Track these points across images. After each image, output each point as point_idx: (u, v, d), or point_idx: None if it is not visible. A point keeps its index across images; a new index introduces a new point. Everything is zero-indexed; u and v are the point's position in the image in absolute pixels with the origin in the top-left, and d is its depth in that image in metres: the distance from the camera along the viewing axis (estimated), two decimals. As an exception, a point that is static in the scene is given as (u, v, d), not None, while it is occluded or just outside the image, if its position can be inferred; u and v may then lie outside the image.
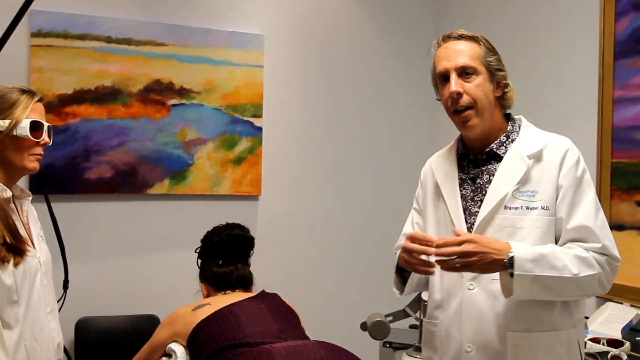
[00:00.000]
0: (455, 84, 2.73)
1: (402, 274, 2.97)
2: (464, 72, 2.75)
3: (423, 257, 2.65)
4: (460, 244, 2.49)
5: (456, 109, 2.76)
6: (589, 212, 2.65)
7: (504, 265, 2.49)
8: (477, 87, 2.74)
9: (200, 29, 5.04)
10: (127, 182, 4.84)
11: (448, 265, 2.52)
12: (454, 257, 2.50)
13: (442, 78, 2.81)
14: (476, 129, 2.77)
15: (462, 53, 2.77)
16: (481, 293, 2.72)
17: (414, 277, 2.94)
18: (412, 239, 2.67)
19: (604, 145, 4.06)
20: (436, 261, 2.56)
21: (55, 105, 4.53)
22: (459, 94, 2.73)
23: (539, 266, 2.48)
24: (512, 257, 2.48)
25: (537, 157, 2.74)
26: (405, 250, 2.70)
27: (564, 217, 2.66)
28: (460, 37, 2.82)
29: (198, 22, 5.05)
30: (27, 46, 4.55)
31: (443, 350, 2.84)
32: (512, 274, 2.48)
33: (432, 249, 2.58)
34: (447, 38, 2.85)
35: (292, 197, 5.43)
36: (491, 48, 2.83)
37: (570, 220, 2.65)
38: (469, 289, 2.74)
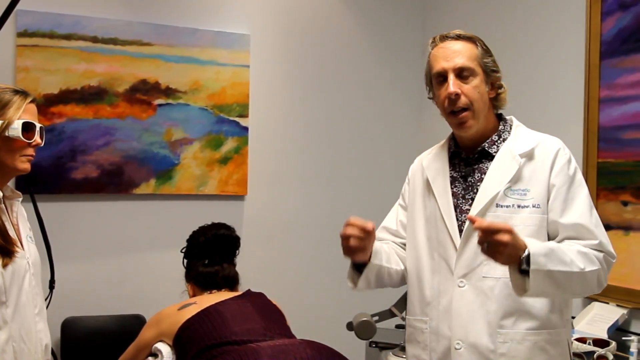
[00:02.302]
0: (453, 84, 2.73)
1: (359, 268, 2.92)
2: (462, 73, 2.75)
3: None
4: (497, 231, 2.41)
5: (453, 110, 2.76)
6: (583, 210, 2.67)
7: (520, 260, 2.46)
8: (474, 89, 2.75)
9: (186, 29, 5.04)
10: (113, 182, 4.85)
11: (481, 247, 2.47)
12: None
13: (438, 78, 2.81)
14: (471, 130, 2.78)
15: (460, 53, 2.77)
16: (471, 290, 2.73)
17: (370, 273, 2.89)
18: (349, 224, 2.73)
19: (590, 145, 4.07)
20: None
21: (42, 105, 4.49)
22: (457, 95, 2.73)
23: (550, 261, 2.47)
24: (528, 253, 2.44)
25: (529, 156, 2.76)
26: (342, 236, 2.74)
27: (558, 216, 2.67)
28: (458, 37, 2.82)
29: (184, 22, 5.06)
30: (13, 46, 4.55)
31: (432, 348, 2.84)
32: (522, 271, 2.46)
33: (366, 227, 2.70)
34: (445, 38, 2.83)
35: (278, 197, 5.44)
36: (487, 49, 2.84)
37: (565, 219, 2.67)
38: (460, 287, 2.75)
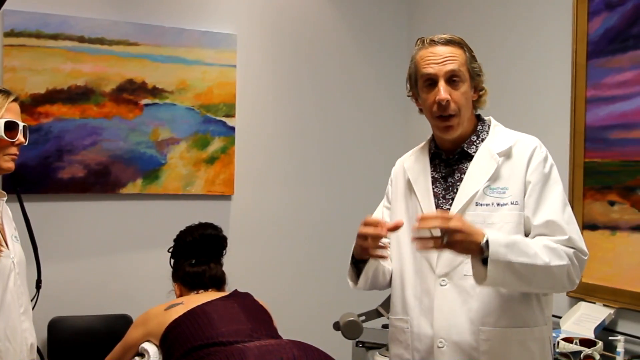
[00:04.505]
0: (444, 91, 2.73)
1: (357, 265, 2.94)
2: (452, 79, 2.76)
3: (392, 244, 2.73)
4: (448, 219, 2.47)
5: (441, 115, 2.76)
6: (555, 207, 2.69)
7: (480, 249, 2.49)
8: (462, 95, 2.76)
9: (173, 29, 5.04)
10: (100, 182, 4.84)
11: (428, 243, 2.51)
12: (433, 237, 2.50)
13: (427, 81, 2.80)
14: (456, 134, 2.80)
15: (450, 59, 2.77)
16: (453, 289, 2.74)
17: (369, 270, 2.90)
18: (366, 223, 2.70)
19: (576, 145, 4.08)
20: (417, 238, 2.55)
21: (28, 105, 4.52)
22: (448, 102, 2.73)
23: (512, 251, 2.48)
24: (487, 240, 2.47)
25: (507, 155, 2.78)
26: (360, 235, 2.72)
27: (531, 213, 2.69)
28: (448, 42, 2.81)
29: (171, 22, 5.05)
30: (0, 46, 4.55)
31: (414, 347, 2.85)
32: (484, 261, 2.49)
33: (385, 232, 2.66)
34: (434, 42, 2.82)
35: (264, 197, 5.44)
36: (473, 54, 2.86)
37: (537, 216, 2.68)
38: (441, 285, 2.76)
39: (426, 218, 2.53)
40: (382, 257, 2.77)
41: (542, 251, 2.55)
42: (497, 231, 2.64)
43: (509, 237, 2.57)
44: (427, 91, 2.80)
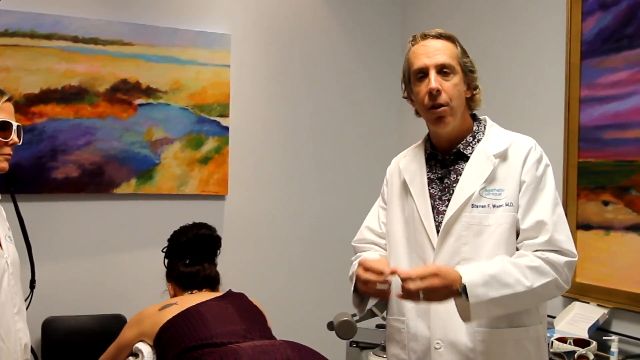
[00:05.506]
0: (435, 80, 2.73)
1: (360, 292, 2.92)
2: (443, 70, 2.76)
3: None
4: (424, 278, 2.48)
5: (433, 105, 2.76)
6: (545, 207, 2.68)
7: (459, 294, 2.50)
8: (454, 87, 2.76)
9: (167, 29, 5.03)
10: (94, 182, 4.83)
11: (412, 298, 2.53)
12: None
13: (418, 74, 2.80)
14: (449, 127, 2.79)
15: (441, 51, 2.78)
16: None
17: (372, 302, 2.89)
18: (367, 269, 2.70)
19: (570, 145, 4.08)
20: (400, 294, 2.56)
21: (22, 105, 4.51)
22: (438, 91, 2.73)
23: (491, 288, 2.49)
24: (464, 286, 2.48)
25: (503, 156, 2.77)
26: (360, 280, 2.72)
27: (522, 214, 2.69)
28: (439, 36, 2.83)
29: (165, 22, 5.05)
30: (-7, 46, 4.54)
31: (411, 347, 2.85)
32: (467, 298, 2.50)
33: (387, 277, 2.63)
34: (425, 36, 2.84)
35: (258, 197, 5.44)
36: (465, 50, 2.87)
37: (528, 217, 2.68)
38: (437, 286, 2.77)
39: (404, 279, 2.53)
40: (385, 297, 2.76)
41: (524, 274, 2.55)
42: (494, 232, 2.68)
43: (487, 270, 2.55)
44: (419, 84, 2.81)
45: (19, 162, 4.46)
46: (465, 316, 2.54)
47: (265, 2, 5.44)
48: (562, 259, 2.62)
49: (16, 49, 4.57)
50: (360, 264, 2.74)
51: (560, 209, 2.73)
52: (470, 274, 2.52)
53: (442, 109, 2.75)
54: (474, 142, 2.86)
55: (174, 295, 3.82)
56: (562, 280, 2.62)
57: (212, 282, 3.83)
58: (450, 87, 2.76)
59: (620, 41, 3.85)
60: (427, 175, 2.91)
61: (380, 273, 2.66)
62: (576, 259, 2.68)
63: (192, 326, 3.33)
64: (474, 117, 2.94)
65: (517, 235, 2.72)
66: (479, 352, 2.69)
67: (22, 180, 4.56)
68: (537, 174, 2.73)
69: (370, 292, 2.73)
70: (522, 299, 2.57)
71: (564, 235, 2.67)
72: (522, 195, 2.71)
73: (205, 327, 3.32)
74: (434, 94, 2.74)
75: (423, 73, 2.79)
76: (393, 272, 2.64)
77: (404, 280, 2.52)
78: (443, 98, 2.74)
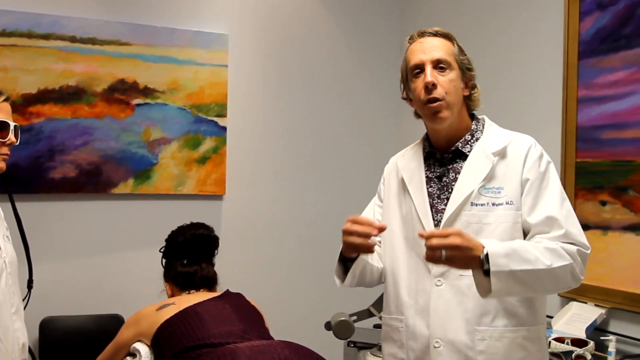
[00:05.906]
0: (430, 75, 2.74)
1: (345, 263, 2.95)
2: (439, 66, 2.77)
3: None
4: (447, 236, 2.46)
5: (429, 99, 2.76)
6: (553, 202, 2.68)
7: (480, 262, 2.47)
8: (450, 82, 2.77)
9: (164, 29, 5.03)
10: (91, 182, 4.83)
11: (434, 256, 2.49)
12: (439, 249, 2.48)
13: (415, 70, 2.81)
14: (445, 122, 2.79)
15: (438, 47, 2.80)
16: (449, 289, 2.74)
17: (357, 268, 2.90)
18: (355, 222, 2.69)
19: (568, 144, 4.09)
20: (425, 254, 2.52)
21: (20, 105, 4.51)
22: (434, 85, 2.74)
23: (513, 260, 2.47)
24: (487, 253, 2.46)
25: (502, 155, 2.78)
26: (345, 232, 2.71)
27: (529, 211, 2.69)
28: (436, 33, 2.85)
29: (163, 22, 5.05)
30: (-9, 46, 4.54)
31: (409, 346, 2.84)
32: (486, 272, 2.47)
33: (374, 231, 2.63)
34: (422, 34, 2.86)
35: (256, 197, 5.44)
36: (462, 49, 2.88)
37: (536, 213, 2.68)
38: (437, 285, 2.75)
39: (424, 236, 2.50)
40: (371, 250, 2.74)
41: (542, 254, 2.54)
42: (494, 230, 2.67)
43: (508, 244, 2.55)
44: (415, 80, 2.82)
45: (16, 162, 4.45)
46: (484, 289, 2.51)
47: (263, 2, 5.44)
48: (576, 248, 2.62)
49: (14, 49, 4.57)
50: (348, 220, 2.72)
51: (568, 203, 2.73)
52: (492, 245, 2.50)
53: (437, 103, 2.75)
54: (472, 141, 2.86)
55: (172, 295, 3.81)
56: (577, 269, 2.61)
57: (210, 282, 3.83)
58: (446, 82, 2.76)
59: (618, 41, 3.85)
60: (426, 173, 2.91)
61: (369, 225, 2.66)
62: (589, 251, 2.68)
63: (189, 326, 3.33)
64: (473, 117, 2.95)
65: (525, 235, 2.71)
66: (478, 351, 2.69)
67: (20, 180, 4.56)
68: (540, 171, 2.73)
69: (354, 244, 2.70)
70: (541, 279, 2.54)
71: (575, 229, 2.67)
72: (527, 193, 2.70)
73: (202, 328, 3.31)
74: (429, 88, 2.75)
75: (420, 69, 2.80)
76: (381, 228, 2.66)
77: (427, 238, 2.49)
78: (439, 92, 2.74)
